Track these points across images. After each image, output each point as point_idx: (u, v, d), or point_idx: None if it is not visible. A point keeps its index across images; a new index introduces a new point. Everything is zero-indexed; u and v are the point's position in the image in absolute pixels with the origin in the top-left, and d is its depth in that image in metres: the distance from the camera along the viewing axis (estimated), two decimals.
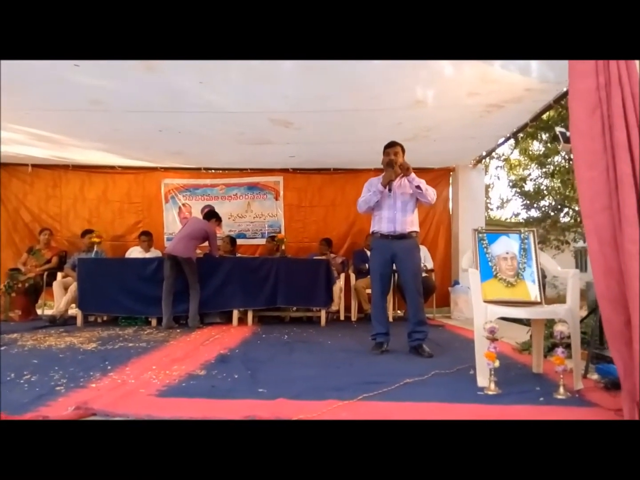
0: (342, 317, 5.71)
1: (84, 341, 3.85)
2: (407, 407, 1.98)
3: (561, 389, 2.17)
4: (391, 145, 3.53)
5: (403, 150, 3.54)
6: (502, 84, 3.57)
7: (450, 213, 6.75)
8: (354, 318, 5.72)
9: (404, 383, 2.38)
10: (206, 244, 5.18)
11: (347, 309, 5.80)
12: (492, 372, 2.26)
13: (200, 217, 5.74)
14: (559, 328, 2.21)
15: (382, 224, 3.46)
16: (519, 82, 3.53)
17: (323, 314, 5.23)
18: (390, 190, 3.42)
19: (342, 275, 5.87)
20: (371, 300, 3.72)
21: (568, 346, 2.38)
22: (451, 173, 6.68)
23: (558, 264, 2.79)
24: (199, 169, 6.60)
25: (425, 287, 5.56)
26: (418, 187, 3.36)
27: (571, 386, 2.31)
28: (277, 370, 2.77)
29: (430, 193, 3.43)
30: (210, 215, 5.37)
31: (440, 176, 6.63)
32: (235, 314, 5.08)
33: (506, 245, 2.75)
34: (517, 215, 15.78)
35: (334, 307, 5.62)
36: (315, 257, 5.86)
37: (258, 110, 4.12)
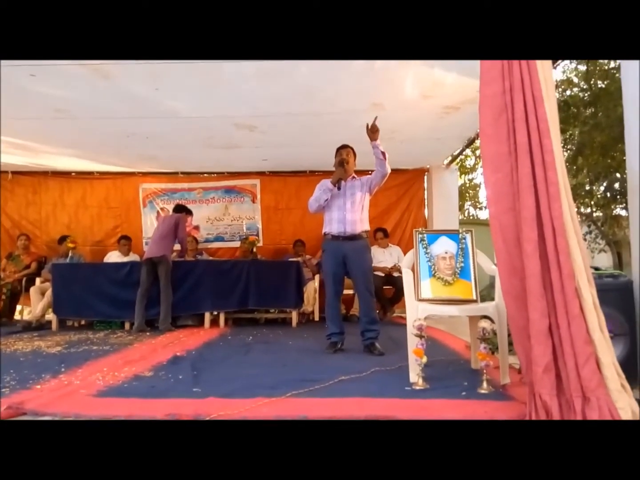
0: (316, 318, 5.77)
1: (51, 345, 3.93)
2: (327, 403, 2.05)
3: (484, 384, 2.24)
4: (343, 147, 3.69)
5: (354, 153, 3.69)
6: (453, 86, 3.66)
7: (426, 213, 6.82)
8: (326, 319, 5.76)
9: (339, 380, 2.46)
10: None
11: (323, 309, 5.86)
12: (421, 368, 2.34)
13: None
14: (482, 325, 2.29)
15: (332, 225, 3.54)
16: (469, 85, 3.60)
17: (294, 315, 5.30)
18: (339, 188, 3.50)
19: (317, 277, 5.95)
20: (325, 301, 3.80)
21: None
22: (426, 174, 6.75)
23: None
24: (176, 173, 6.67)
25: (398, 287, 5.69)
26: (383, 153, 3.38)
27: (498, 381, 2.38)
28: (223, 370, 2.84)
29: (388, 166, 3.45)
30: (179, 209, 5.34)
31: (415, 177, 6.71)
32: (207, 316, 5.15)
33: (445, 246, 2.82)
34: None
35: (308, 308, 5.70)
36: (290, 259, 5.94)
37: (219, 114, 4.21)
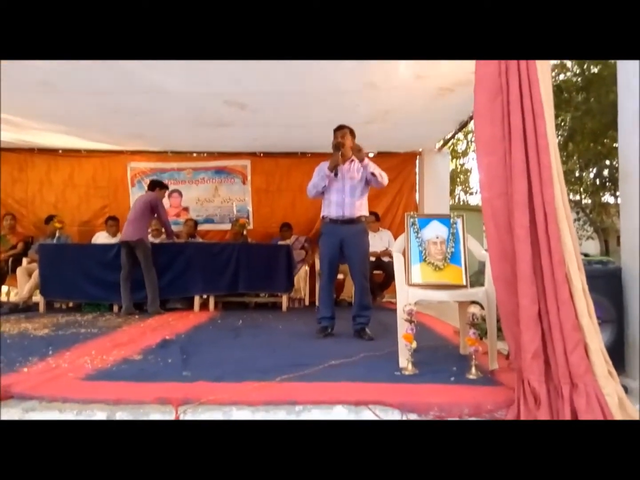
0: (307, 303, 5.76)
1: (39, 327, 3.89)
2: (316, 387, 2.05)
3: (472, 369, 2.25)
4: (339, 128, 3.59)
5: (352, 134, 3.61)
6: (448, 66, 3.60)
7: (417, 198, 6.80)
8: (318, 303, 5.76)
9: (329, 365, 2.45)
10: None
11: (313, 293, 5.85)
12: (411, 353, 2.34)
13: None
14: (471, 310, 2.29)
15: (330, 208, 3.52)
16: (463, 65, 3.53)
17: (284, 299, 5.29)
18: (336, 174, 3.47)
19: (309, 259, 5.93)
20: (319, 285, 3.79)
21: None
22: (417, 157, 6.71)
23: None
24: (166, 152, 6.57)
25: (388, 272, 5.68)
26: (372, 173, 3.41)
27: (487, 366, 2.40)
28: (213, 354, 2.82)
29: (384, 177, 3.52)
30: (154, 185, 5.19)
31: (406, 160, 6.66)
32: (197, 299, 5.12)
33: (436, 230, 2.81)
34: None
35: (300, 293, 5.69)
36: (279, 243, 5.90)
37: (208, 91, 4.13)
